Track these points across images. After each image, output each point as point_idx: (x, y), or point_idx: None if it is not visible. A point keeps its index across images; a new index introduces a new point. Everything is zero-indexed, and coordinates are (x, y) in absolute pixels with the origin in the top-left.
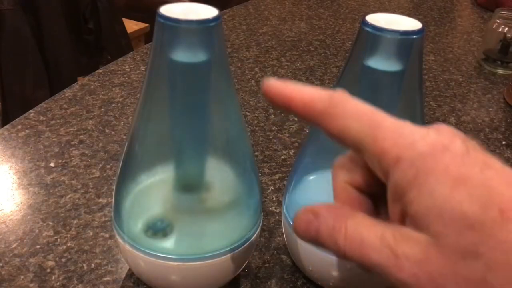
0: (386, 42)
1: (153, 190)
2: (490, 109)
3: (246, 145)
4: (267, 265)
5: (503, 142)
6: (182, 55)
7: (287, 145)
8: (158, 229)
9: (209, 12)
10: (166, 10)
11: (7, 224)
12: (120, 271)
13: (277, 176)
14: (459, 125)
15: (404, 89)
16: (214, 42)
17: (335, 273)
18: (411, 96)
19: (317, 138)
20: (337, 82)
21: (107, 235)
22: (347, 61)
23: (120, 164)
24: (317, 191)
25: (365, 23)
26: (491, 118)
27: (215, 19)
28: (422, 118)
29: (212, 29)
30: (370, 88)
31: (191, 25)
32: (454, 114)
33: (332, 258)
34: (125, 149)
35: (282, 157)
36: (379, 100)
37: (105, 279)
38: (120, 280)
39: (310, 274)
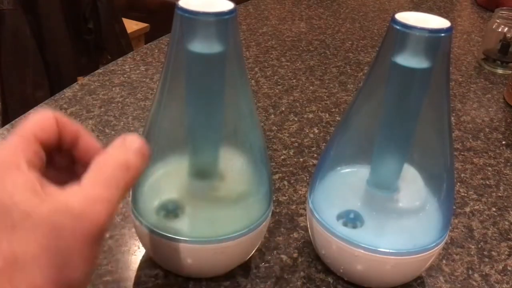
0: (415, 40)
1: (168, 175)
2: (490, 109)
3: (258, 134)
4: (267, 265)
5: (503, 142)
6: (199, 46)
7: (287, 145)
8: (169, 210)
9: (225, 5)
10: (184, 3)
11: None
12: (120, 271)
13: (277, 176)
14: (459, 125)
15: (432, 86)
16: (230, 34)
17: (345, 260)
18: (438, 93)
19: (344, 133)
20: (366, 78)
21: (107, 235)
22: (375, 58)
23: None
24: (342, 185)
25: (394, 20)
26: (491, 118)
27: (231, 11)
28: (448, 114)
29: (228, 21)
30: (398, 85)
31: (208, 17)
32: (454, 114)
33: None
34: (143, 136)
35: (282, 157)
36: (407, 96)
37: (105, 279)
38: (120, 280)
39: (323, 259)
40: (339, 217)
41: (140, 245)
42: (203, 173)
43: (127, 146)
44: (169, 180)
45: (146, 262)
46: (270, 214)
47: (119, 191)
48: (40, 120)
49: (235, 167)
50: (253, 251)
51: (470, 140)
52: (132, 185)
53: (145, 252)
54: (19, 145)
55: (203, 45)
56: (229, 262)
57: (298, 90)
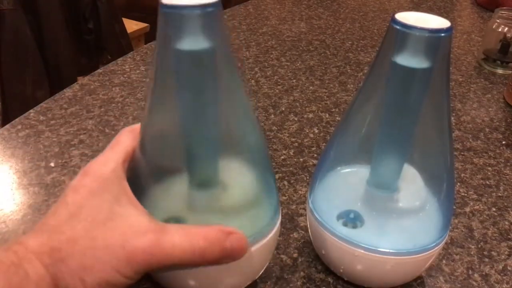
0: (415, 40)
1: (168, 189)
2: (490, 109)
3: (258, 136)
4: (267, 265)
5: (503, 142)
6: (185, 43)
7: (287, 145)
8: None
9: None
10: (168, 0)
11: (7, 224)
12: None
13: (277, 176)
14: (459, 125)
15: (432, 86)
16: (215, 28)
17: (345, 260)
18: (438, 93)
19: (344, 133)
20: (366, 78)
21: None
22: (375, 58)
23: (133, 161)
24: (342, 185)
25: (394, 20)
26: (491, 118)
27: (214, 4)
28: (448, 114)
29: (211, 14)
30: (398, 85)
31: (191, 10)
32: (454, 114)
33: (343, 245)
34: (137, 146)
35: (282, 157)
36: (407, 96)
37: None
38: None
39: (323, 259)
40: (339, 217)
41: None
42: (204, 182)
43: (225, 243)
44: (169, 195)
45: None
46: (278, 222)
47: (170, 258)
48: (130, 141)
49: (234, 174)
50: (264, 267)
51: (470, 140)
52: (186, 266)
53: None
54: (120, 162)
55: (189, 42)
56: (236, 279)
57: (298, 90)
